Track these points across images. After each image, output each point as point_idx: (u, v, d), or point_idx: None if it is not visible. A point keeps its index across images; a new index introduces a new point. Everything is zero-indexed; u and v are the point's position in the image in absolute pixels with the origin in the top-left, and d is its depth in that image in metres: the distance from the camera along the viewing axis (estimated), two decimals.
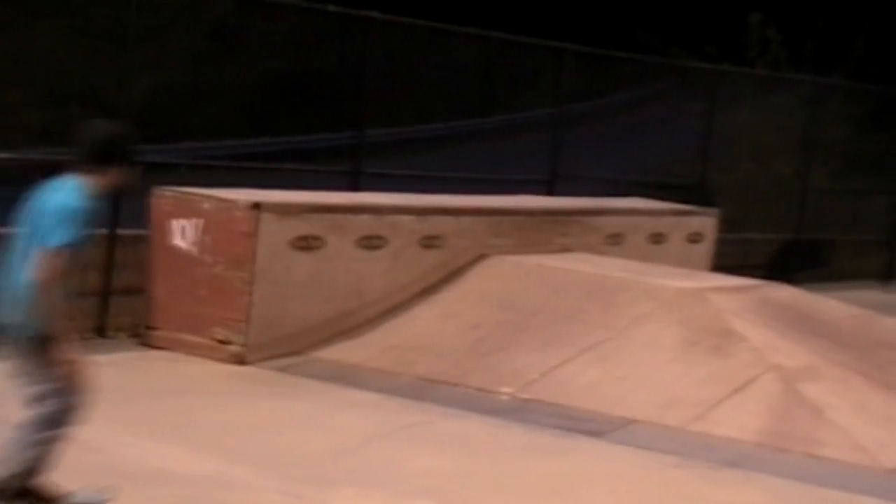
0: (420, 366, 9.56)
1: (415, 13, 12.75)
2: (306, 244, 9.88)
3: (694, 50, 18.19)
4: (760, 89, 18.34)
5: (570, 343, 9.64)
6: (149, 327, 9.92)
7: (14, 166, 10.01)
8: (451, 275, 10.93)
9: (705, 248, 14.01)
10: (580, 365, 9.36)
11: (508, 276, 10.89)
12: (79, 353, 5.59)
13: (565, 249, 11.99)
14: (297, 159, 12.80)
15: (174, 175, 10.75)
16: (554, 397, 8.93)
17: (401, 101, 13.64)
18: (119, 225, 10.20)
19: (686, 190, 15.73)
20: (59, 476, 5.69)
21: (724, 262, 13.78)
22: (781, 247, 17.90)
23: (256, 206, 9.59)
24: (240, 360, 9.48)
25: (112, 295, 10.09)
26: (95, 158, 5.59)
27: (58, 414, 5.55)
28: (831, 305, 11.37)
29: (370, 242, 10.39)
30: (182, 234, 9.82)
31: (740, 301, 10.35)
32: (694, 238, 13.87)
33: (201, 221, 9.76)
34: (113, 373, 9.01)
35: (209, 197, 9.82)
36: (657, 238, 13.34)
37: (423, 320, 10.33)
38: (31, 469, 5.58)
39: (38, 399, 5.53)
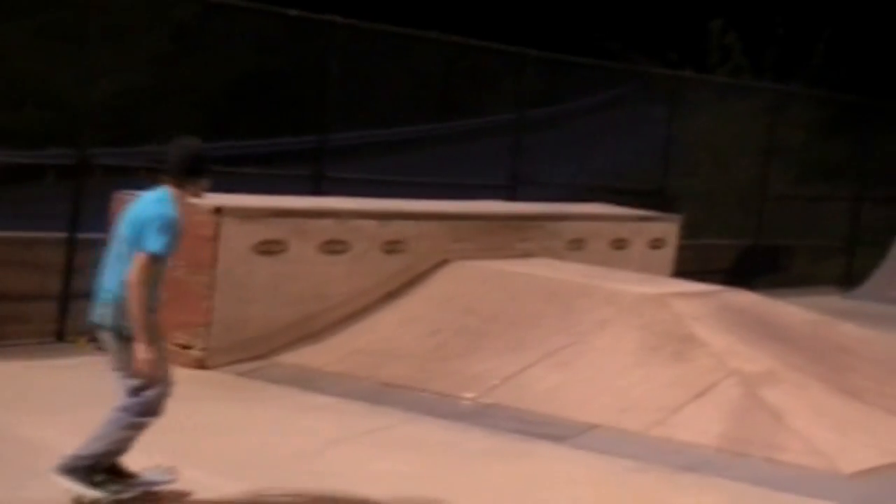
0: (382, 370, 9.56)
1: (378, 17, 12.76)
2: (268, 248, 9.86)
3: (655, 56, 18.29)
4: (721, 96, 18.44)
5: (532, 348, 9.66)
6: None
7: None
8: (413, 279, 10.94)
9: (667, 254, 14.07)
10: (541, 370, 9.39)
11: (470, 281, 10.90)
12: (166, 350, 6.26)
13: (527, 254, 12.01)
14: (260, 163, 12.77)
15: (136, 178, 10.70)
16: (515, 402, 8.94)
17: (363, 105, 13.62)
18: (79, 228, 10.15)
19: (647, 196, 15.80)
20: (12, 480, 5.67)
21: (685, 268, 13.84)
22: (741, 252, 18.01)
23: (218, 211, 9.56)
24: (201, 365, 9.44)
25: (72, 299, 10.03)
26: (181, 172, 6.28)
27: (146, 405, 6.22)
28: (790, 311, 11.45)
29: (332, 247, 10.39)
30: None
31: (701, 306, 10.41)
32: (655, 244, 13.93)
33: None
34: (72, 377, 8.99)
35: None
36: (619, 244, 13.39)
37: (385, 325, 10.33)
38: (118, 450, 6.28)
39: (131, 390, 6.22)
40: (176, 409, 8.25)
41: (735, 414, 8.66)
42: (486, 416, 8.72)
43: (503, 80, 14.98)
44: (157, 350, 6.16)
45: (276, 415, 8.36)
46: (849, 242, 20.07)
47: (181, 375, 9.18)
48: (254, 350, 9.75)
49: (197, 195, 6.44)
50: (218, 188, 10.35)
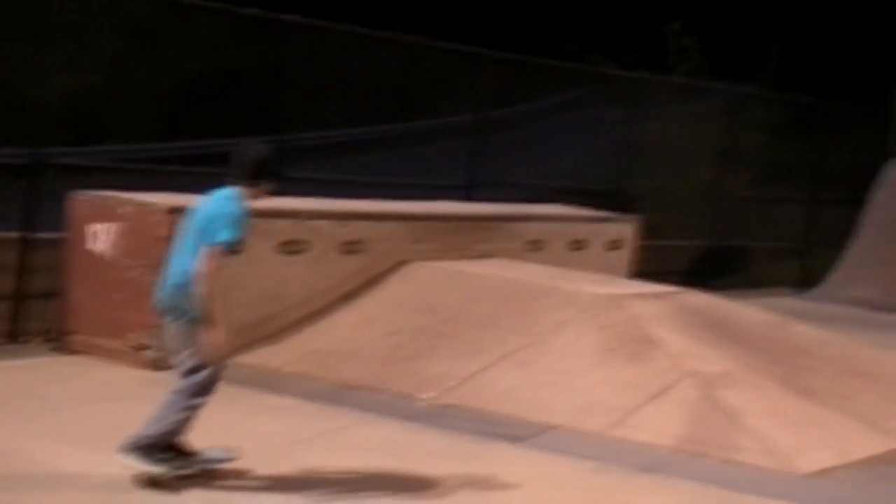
0: (340, 371, 9.53)
1: (336, 17, 12.72)
2: None
3: (613, 58, 18.34)
4: (679, 97, 18.52)
5: (490, 349, 9.66)
6: (64, 332, 9.79)
7: None
8: (372, 280, 10.92)
9: (625, 255, 14.12)
10: (500, 371, 9.39)
11: (429, 281, 10.89)
12: (224, 336, 6.56)
13: (486, 255, 12.01)
14: (218, 163, 12.68)
15: (92, 178, 10.62)
16: (473, 403, 8.94)
17: (322, 105, 13.58)
18: (34, 228, 10.06)
19: (605, 196, 15.84)
20: None
21: (643, 269, 13.89)
22: (699, 253, 18.10)
23: (175, 211, 9.50)
24: (157, 366, 9.37)
25: (26, 299, 9.95)
26: (249, 174, 6.76)
27: (203, 385, 6.64)
28: (747, 312, 11.51)
29: (290, 247, 10.35)
30: (99, 237, 9.71)
31: (658, 307, 10.44)
32: (613, 245, 13.97)
33: (119, 225, 9.66)
34: (25, 378, 8.92)
35: (127, 200, 9.72)
36: (577, 244, 13.42)
37: (344, 326, 10.30)
38: (176, 430, 6.68)
39: (190, 371, 6.64)
40: (127, 410, 8.20)
41: (692, 415, 8.69)
42: (444, 417, 8.71)
43: (462, 81, 14.98)
44: (222, 335, 6.57)
45: (232, 416, 8.29)
46: (805, 244, 20.21)
47: (136, 377, 9.21)
48: None
49: (263, 197, 6.87)
50: (174, 188, 10.38)
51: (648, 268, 14.08)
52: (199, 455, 6.82)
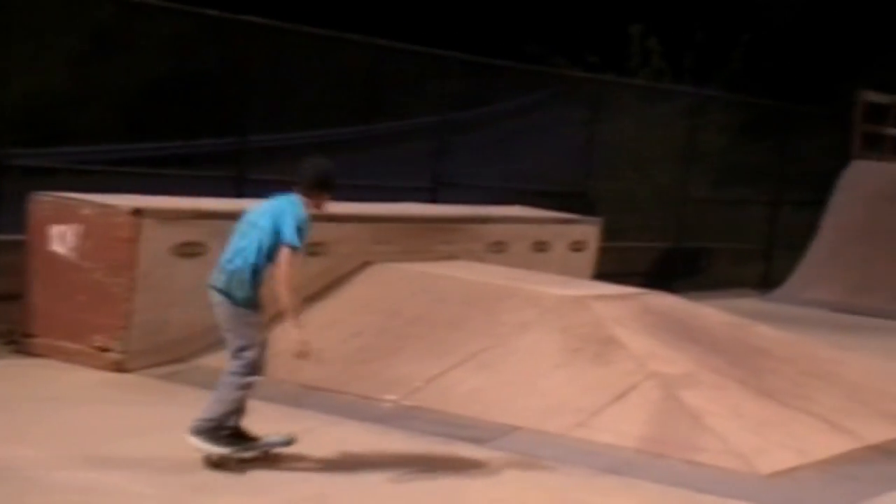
0: (303, 373, 9.48)
1: (300, 19, 12.70)
2: (188, 251, 9.78)
3: (577, 60, 18.39)
4: (641, 99, 18.60)
5: (454, 350, 9.67)
6: (25, 334, 9.74)
7: None
8: (335, 282, 10.90)
9: (588, 257, 14.15)
10: (463, 372, 9.40)
11: (392, 283, 10.89)
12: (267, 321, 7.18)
13: (449, 257, 12.02)
14: (180, 165, 12.66)
15: (53, 180, 10.56)
16: (437, 404, 8.94)
17: (285, 106, 13.56)
18: None
19: (569, 198, 15.89)
20: None
21: (606, 270, 13.93)
22: (662, 255, 18.18)
23: (137, 212, 9.47)
24: (120, 368, 9.35)
25: None
26: (312, 185, 7.27)
27: (253, 363, 7.14)
28: (709, 313, 11.56)
29: None
30: (61, 239, 9.66)
31: (621, 309, 10.48)
32: (576, 246, 14.00)
33: (81, 227, 9.61)
34: None
35: (89, 202, 9.67)
36: (540, 246, 13.45)
37: (307, 328, 10.25)
38: (235, 409, 7.17)
39: (239, 351, 7.15)
40: (89, 412, 8.17)
41: (655, 416, 8.72)
42: (408, 419, 8.71)
43: (426, 83, 14.99)
44: (261, 317, 7.24)
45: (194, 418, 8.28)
46: (767, 245, 20.34)
47: (98, 379, 9.17)
48: (173, 353, 9.66)
49: (319, 208, 7.33)
50: (137, 189, 10.34)
51: (612, 269, 14.11)
52: (260, 440, 7.29)
